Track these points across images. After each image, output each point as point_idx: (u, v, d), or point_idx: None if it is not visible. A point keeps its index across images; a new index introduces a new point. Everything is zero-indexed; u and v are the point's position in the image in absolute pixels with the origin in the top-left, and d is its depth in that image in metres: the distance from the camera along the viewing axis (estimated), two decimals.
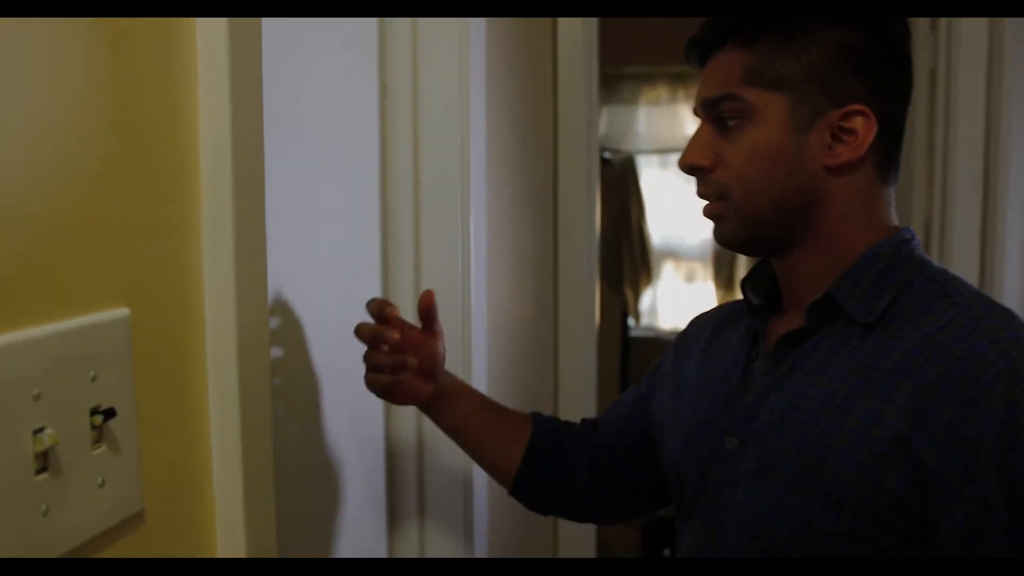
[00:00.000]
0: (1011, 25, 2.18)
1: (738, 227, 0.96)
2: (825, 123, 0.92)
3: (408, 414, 1.43)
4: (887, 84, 0.94)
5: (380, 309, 1.08)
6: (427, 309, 1.12)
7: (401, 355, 1.08)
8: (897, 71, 0.96)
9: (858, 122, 0.92)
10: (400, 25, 1.38)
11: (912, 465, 0.82)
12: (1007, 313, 0.89)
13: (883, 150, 0.94)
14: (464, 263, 1.43)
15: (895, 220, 0.98)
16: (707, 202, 0.97)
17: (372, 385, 1.12)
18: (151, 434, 0.69)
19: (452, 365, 1.43)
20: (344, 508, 1.28)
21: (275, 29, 1.02)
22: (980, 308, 0.88)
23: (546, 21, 2.30)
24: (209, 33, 0.71)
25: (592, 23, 2.47)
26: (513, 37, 1.90)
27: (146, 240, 0.67)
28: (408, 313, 1.40)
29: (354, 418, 1.33)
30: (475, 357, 1.48)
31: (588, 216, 2.49)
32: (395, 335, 1.07)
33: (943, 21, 2.28)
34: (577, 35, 2.37)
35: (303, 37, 1.12)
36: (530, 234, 2.14)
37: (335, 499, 1.26)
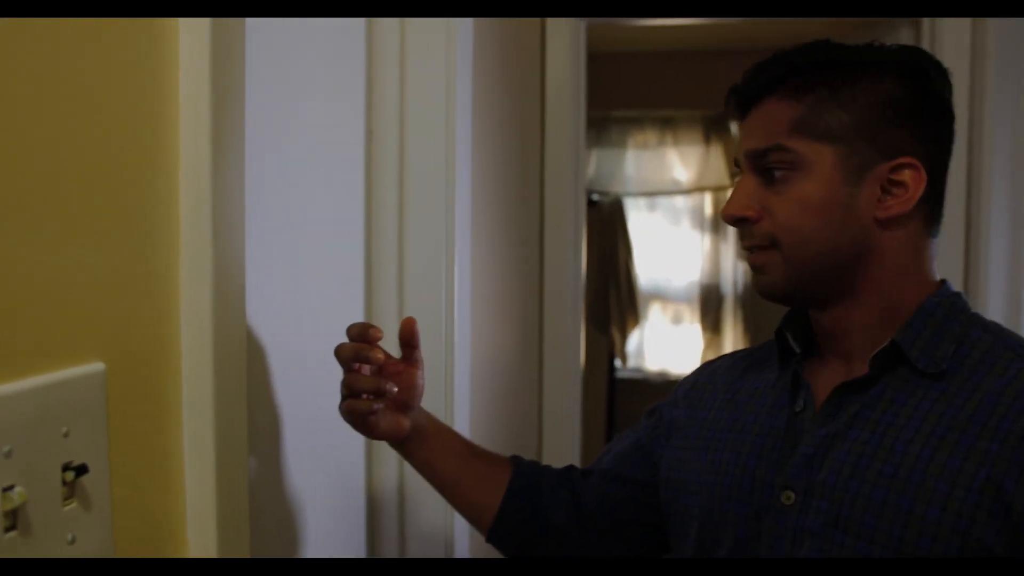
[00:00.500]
0: (994, 26, 2.20)
1: (785, 278, 0.95)
2: (875, 176, 0.92)
3: (390, 461, 1.41)
4: (934, 136, 0.95)
5: (363, 331, 1.02)
6: (409, 336, 1.07)
7: (382, 379, 1.03)
8: (942, 122, 0.96)
9: (907, 175, 0.92)
10: (387, 53, 1.38)
11: (1002, 512, 0.82)
12: None
13: (930, 202, 0.95)
14: (448, 298, 1.42)
15: (938, 273, 0.99)
16: (750, 252, 0.97)
17: (349, 413, 1.04)
18: (124, 487, 0.67)
19: (434, 399, 1.42)
20: (314, 536, 1.26)
21: (256, 42, 1.02)
22: None
23: (535, 61, 2.31)
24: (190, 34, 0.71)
25: (581, 65, 2.49)
26: (501, 75, 1.91)
27: (123, 293, 0.66)
28: (390, 345, 1.39)
29: (334, 465, 1.31)
30: (457, 392, 1.46)
31: (574, 257, 2.50)
32: (379, 355, 1.02)
33: (926, 22, 2.29)
34: (565, 76, 2.39)
35: (282, 58, 1.12)
36: (516, 273, 2.14)
37: (312, 546, 1.24)
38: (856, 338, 0.96)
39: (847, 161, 0.92)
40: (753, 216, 0.95)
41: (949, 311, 0.94)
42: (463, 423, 1.49)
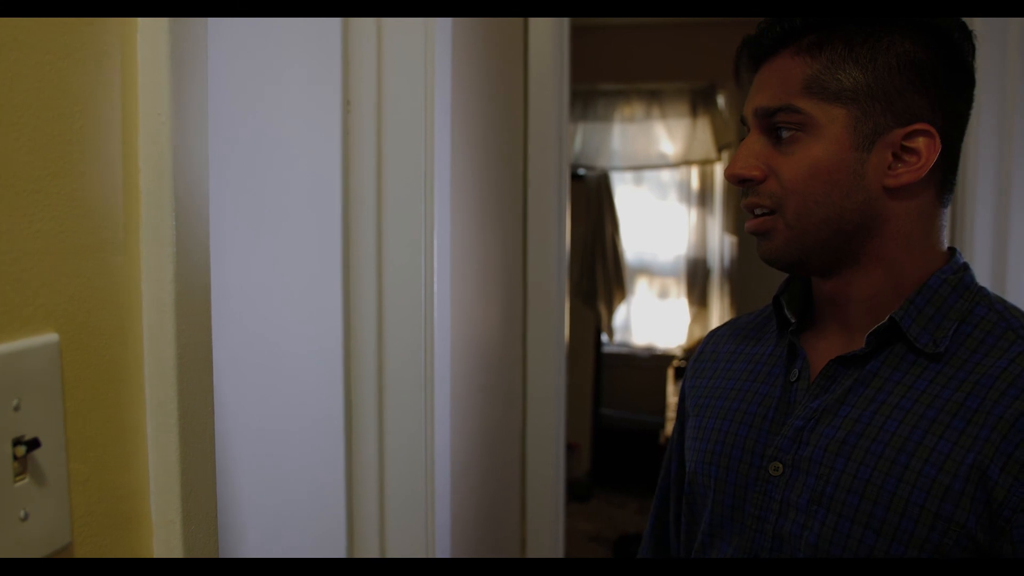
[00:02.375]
0: (978, 29, 2.19)
1: (788, 243, 0.92)
2: (887, 142, 0.88)
3: (370, 462, 1.40)
4: (952, 103, 0.90)
5: None
6: None
7: None
8: (963, 89, 0.92)
9: (921, 142, 0.88)
10: (364, 31, 1.36)
11: (985, 498, 0.81)
12: None
13: (943, 171, 0.91)
14: (427, 276, 1.41)
15: (946, 243, 0.95)
16: (753, 216, 0.93)
17: None
18: (83, 462, 0.66)
19: (414, 377, 1.41)
20: (296, 534, 1.25)
21: (234, 31, 1.00)
22: None
23: (518, 35, 2.28)
24: (150, 36, 0.69)
25: (564, 38, 2.46)
26: (483, 50, 1.88)
27: (78, 262, 0.64)
28: (370, 333, 1.38)
29: (312, 460, 1.30)
30: (438, 370, 1.45)
31: (558, 232, 2.48)
32: None
33: None
34: (549, 50, 2.36)
35: (262, 43, 1.10)
36: (499, 250, 2.12)
37: (286, 521, 1.23)
38: (857, 308, 0.94)
39: (859, 125, 0.88)
40: (758, 176, 0.91)
41: (955, 287, 0.91)
42: (443, 400, 1.48)
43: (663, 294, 5.11)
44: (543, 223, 2.43)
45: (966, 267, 0.94)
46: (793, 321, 0.99)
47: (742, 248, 4.82)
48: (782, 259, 0.93)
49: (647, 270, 5.10)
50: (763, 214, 0.92)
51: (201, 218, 0.75)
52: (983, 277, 2.26)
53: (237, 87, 1.02)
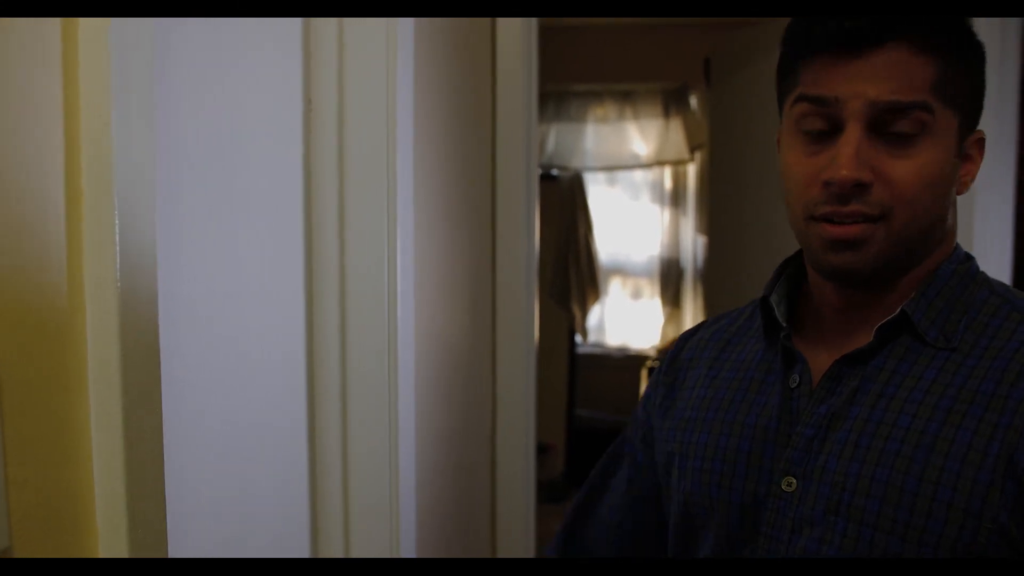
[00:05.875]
0: None
1: (882, 254, 0.83)
2: (966, 148, 0.86)
3: (335, 461, 1.39)
4: (982, 104, 0.88)
5: None
6: None
7: None
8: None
9: (975, 149, 0.86)
10: (325, 31, 1.35)
11: (1015, 488, 0.76)
12: None
13: None
14: (391, 279, 1.40)
15: None
16: (841, 224, 0.83)
17: None
18: (23, 465, 0.65)
19: (376, 382, 1.40)
20: (259, 538, 1.24)
21: (192, 31, 0.99)
22: None
23: (486, 36, 2.28)
24: (92, 37, 0.68)
25: (532, 38, 2.46)
26: (449, 50, 1.88)
27: (16, 265, 0.64)
28: (333, 335, 1.37)
29: (274, 464, 1.29)
30: (402, 376, 1.45)
31: (527, 232, 2.48)
32: None
33: None
34: (517, 50, 2.36)
35: (221, 43, 1.09)
36: (466, 251, 2.12)
37: (248, 526, 1.22)
38: (869, 312, 0.89)
39: (963, 130, 0.84)
40: (868, 180, 0.81)
41: (963, 277, 0.88)
42: (408, 402, 1.48)
43: (636, 294, 5.13)
44: (512, 224, 2.43)
45: (971, 256, 0.91)
46: (785, 325, 0.93)
47: (712, 248, 4.85)
48: (867, 272, 0.85)
49: (621, 270, 5.11)
50: (860, 221, 0.82)
51: (147, 218, 0.74)
52: None
53: (196, 88, 1.01)
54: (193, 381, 1.04)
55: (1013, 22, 2.34)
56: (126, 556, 0.73)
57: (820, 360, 0.90)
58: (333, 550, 1.40)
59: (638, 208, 4.97)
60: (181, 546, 0.94)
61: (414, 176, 1.51)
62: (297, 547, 1.36)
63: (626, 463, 1.09)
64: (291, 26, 1.29)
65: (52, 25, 0.66)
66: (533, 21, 2.45)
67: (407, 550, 1.47)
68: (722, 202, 3.39)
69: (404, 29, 1.40)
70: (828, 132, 0.83)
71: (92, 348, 0.70)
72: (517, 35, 2.36)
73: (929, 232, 0.86)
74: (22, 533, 0.65)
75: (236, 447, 1.16)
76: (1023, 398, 0.78)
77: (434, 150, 1.75)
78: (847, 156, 0.80)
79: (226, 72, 1.11)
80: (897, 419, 0.82)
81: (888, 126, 0.81)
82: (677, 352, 1.07)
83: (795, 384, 0.90)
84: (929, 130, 0.81)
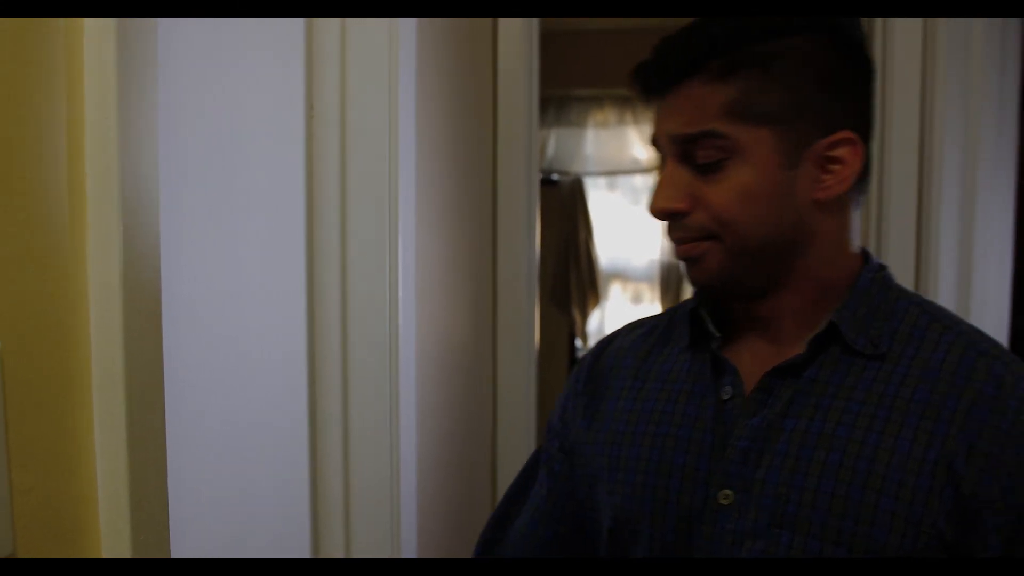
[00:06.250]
0: (941, 50, 2.22)
1: (724, 268, 0.88)
2: (812, 155, 0.86)
3: (336, 462, 1.39)
4: (864, 103, 0.89)
5: None
6: None
7: None
8: (870, 86, 0.90)
9: (845, 151, 0.86)
10: (327, 31, 1.35)
11: (953, 495, 0.79)
12: (984, 332, 0.89)
13: (861, 175, 0.90)
14: (392, 282, 1.40)
15: (857, 243, 0.94)
16: (682, 243, 0.89)
17: None
18: (27, 472, 0.64)
19: (378, 387, 1.40)
20: (260, 538, 1.24)
21: (194, 29, 0.99)
22: (969, 329, 0.87)
23: (486, 37, 2.28)
24: (97, 37, 0.68)
25: (533, 39, 2.46)
26: (450, 51, 1.88)
27: (21, 268, 0.63)
28: (334, 336, 1.37)
29: (275, 465, 1.29)
30: (403, 377, 1.44)
31: (528, 238, 2.48)
32: None
33: (878, 48, 2.30)
34: (518, 50, 2.36)
35: (223, 45, 1.09)
36: (467, 255, 2.12)
37: (249, 526, 1.21)
38: (788, 320, 0.91)
39: (785, 142, 0.85)
40: (686, 208, 0.87)
41: (881, 286, 0.90)
42: (409, 403, 1.48)
43: (637, 299, 5.12)
44: (513, 228, 2.43)
45: (884, 266, 0.93)
46: (718, 335, 0.94)
47: None
48: (717, 284, 0.90)
49: (621, 275, 5.10)
50: (698, 239, 0.88)
51: (151, 222, 0.74)
52: (947, 278, 2.28)
53: (197, 87, 1.01)
54: (194, 381, 1.04)
55: (1013, 23, 2.34)
56: (127, 554, 0.73)
57: (749, 372, 0.91)
58: (334, 550, 1.40)
59: (638, 212, 4.97)
60: (181, 546, 0.94)
61: (416, 178, 1.50)
62: (298, 547, 1.35)
63: (543, 473, 1.08)
64: (293, 26, 1.29)
65: (56, 24, 0.66)
66: (534, 22, 2.45)
67: (407, 550, 1.47)
68: None
69: (406, 29, 1.40)
70: (663, 167, 0.91)
71: (96, 354, 0.70)
72: (518, 36, 2.36)
73: (776, 241, 0.87)
74: (26, 539, 0.64)
75: (237, 447, 1.16)
76: (957, 408, 0.81)
77: (435, 153, 1.75)
78: (657, 189, 0.88)
79: (228, 72, 1.11)
80: (836, 430, 0.83)
81: (695, 156, 0.86)
82: (595, 361, 1.06)
83: (727, 396, 0.90)
84: (733, 152, 0.84)
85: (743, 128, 0.84)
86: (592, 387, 1.04)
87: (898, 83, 2.24)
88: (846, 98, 0.87)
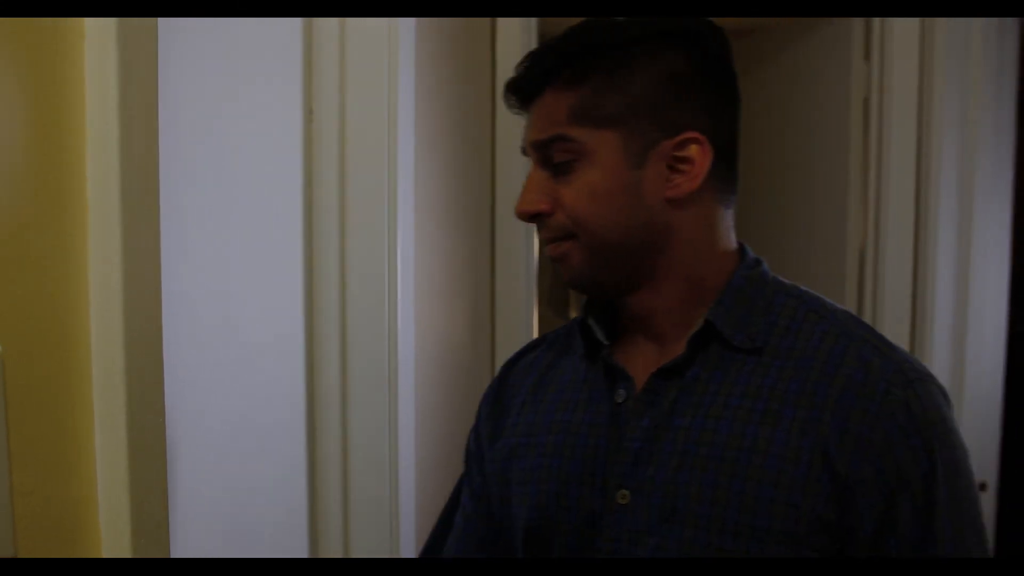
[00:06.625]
0: (943, 27, 2.22)
1: (586, 267, 0.92)
2: (659, 155, 0.89)
3: (334, 460, 1.39)
4: (717, 106, 0.92)
5: None
6: None
7: None
8: (725, 90, 0.93)
9: (693, 150, 0.89)
10: (327, 31, 1.35)
11: (829, 478, 0.82)
12: (859, 318, 0.92)
13: (721, 174, 0.92)
14: (391, 285, 1.40)
15: (734, 242, 0.96)
16: (550, 243, 0.93)
17: None
18: (28, 474, 0.65)
19: (377, 389, 1.40)
20: (258, 538, 1.24)
21: (194, 29, 0.99)
22: (844, 317, 0.91)
23: (485, 37, 2.28)
24: (98, 37, 0.68)
25: (532, 40, 2.46)
26: (449, 52, 1.88)
27: (21, 275, 0.63)
28: (332, 339, 1.37)
29: (274, 465, 1.29)
30: (401, 378, 1.45)
31: (526, 242, 2.48)
32: None
33: (876, 51, 2.31)
34: (516, 51, 2.36)
35: (225, 42, 1.09)
36: (466, 257, 2.12)
37: (248, 525, 1.21)
38: (664, 319, 0.94)
39: (630, 144, 0.88)
40: (546, 209, 0.91)
41: (757, 282, 0.93)
42: (407, 403, 1.48)
43: None
44: (511, 229, 2.43)
45: (759, 261, 0.96)
46: (606, 343, 0.97)
47: None
48: (583, 281, 0.93)
49: None
50: (560, 239, 0.92)
51: (151, 225, 0.74)
52: (945, 278, 2.29)
53: (197, 88, 1.01)
54: (194, 383, 1.04)
55: (1010, 25, 2.35)
56: (128, 555, 0.73)
57: (640, 373, 0.94)
58: (332, 550, 1.40)
59: None
60: (180, 547, 0.94)
61: (414, 178, 1.51)
62: (297, 547, 1.36)
63: (466, 496, 1.11)
64: (293, 26, 1.29)
65: (56, 25, 0.66)
66: (533, 22, 2.45)
67: (406, 550, 1.47)
68: None
69: (406, 30, 1.40)
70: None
71: (96, 356, 0.70)
72: (516, 36, 2.36)
73: (630, 238, 0.90)
74: (27, 541, 0.65)
75: (236, 448, 1.16)
76: (828, 395, 0.84)
77: (434, 151, 1.75)
78: (522, 193, 0.93)
79: (228, 72, 1.11)
80: (717, 426, 0.87)
81: (552, 160, 0.90)
82: (500, 383, 1.10)
83: (621, 399, 0.94)
84: (580, 154, 0.89)
85: (589, 131, 0.89)
86: (497, 408, 1.08)
87: (896, 85, 2.25)
88: (694, 101, 0.90)
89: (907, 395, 0.83)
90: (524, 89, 0.93)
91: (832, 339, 0.88)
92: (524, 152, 0.95)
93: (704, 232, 0.93)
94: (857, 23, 2.36)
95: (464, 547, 1.08)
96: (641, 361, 0.95)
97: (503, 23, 2.33)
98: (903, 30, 2.25)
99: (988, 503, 2.40)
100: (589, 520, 0.92)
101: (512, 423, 1.03)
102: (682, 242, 0.91)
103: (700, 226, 0.92)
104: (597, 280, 0.93)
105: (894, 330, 2.29)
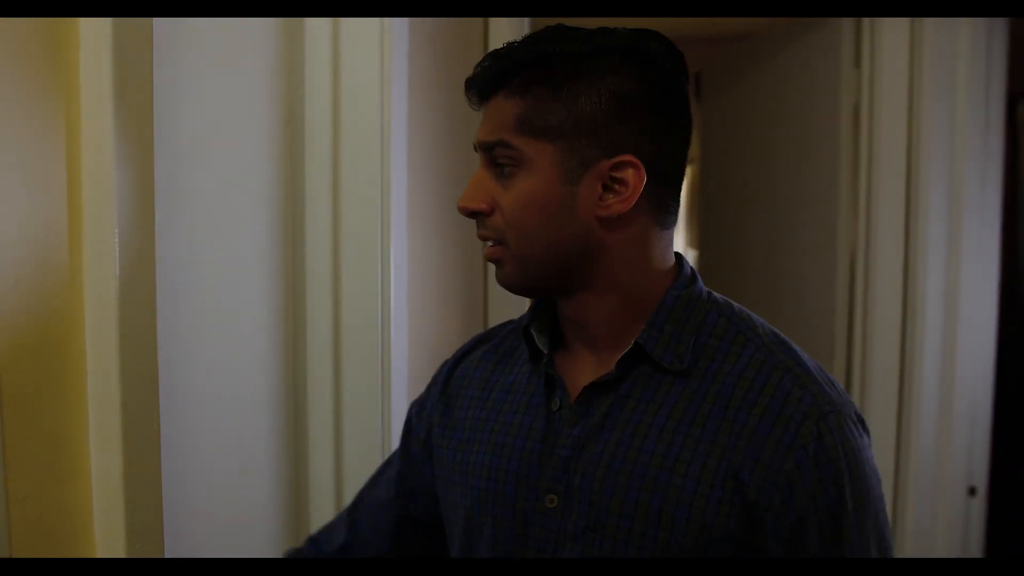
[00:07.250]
0: (929, 58, 2.24)
1: (516, 272, 0.93)
2: (595, 174, 0.90)
3: (327, 460, 1.39)
4: (660, 131, 0.92)
5: None
6: None
7: None
8: (672, 115, 0.93)
9: (629, 173, 0.89)
10: (320, 31, 1.35)
11: (741, 501, 0.86)
12: (786, 342, 0.94)
13: (659, 197, 0.92)
14: (384, 290, 1.41)
15: (672, 259, 0.97)
16: (487, 246, 0.95)
17: None
18: (23, 481, 0.65)
19: (369, 395, 1.40)
20: (251, 541, 1.24)
21: (192, 28, 0.99)
22: (771, 342, 0.93)
23: (477, 38, 2.29)
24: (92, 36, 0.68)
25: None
26: (442, 48, 1.89)
27: (15, 288, 0.63)
28: (325, 343, 1.37)
29: (266, 468, 1.29)
30: (395, 388, 1.45)
31: None
32: None
33: (865, 58, 2.32)
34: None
35: (219, 39, 1.09)
36: (460, 259, 2.12)
37: (241, 528, 1.21)
38: (598, 330, 0.96)
39: (567, 159, 0.89)
40: (485, 209, 0.93)
41: (688, 301, 0.95)
42: (401, 408, 1.48)
43: None
44: None
45: (694, 277, 0.97)
46: (545, 352, 0.99)
47: (704, 262, 4.86)
48: (513, 285, 0.95)
49: None
50: (494, 243, 0.94)
51: (146, 235, 0.74)
52: (935, 282, 2.30)
53: (190, 90, 1.01)
54: (188, 390, 1.04)
55: (999, 25, 2.36)
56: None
57: (576, 383, 0.97)
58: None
59: None
60: (175, 549, 0.94)
61: (407, 178, 1.51)
62: (291, 547, 1.35)
63: (398, 457, 1.16)
64: (288, 25, 1.30)
65: (55, 25, 0.66)
66: (525, 22, 2.46)
67: None
68: (713, 216, 3.40)
69: (399, 29, 1.41)
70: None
71: (91, 366, 0.71)
72: (509, 36, 2.36)
73: (558, 250, 0.92)
74: (22, 547, 0.65)
75: (229, 455, 1.16)
76: (745, 422, 0.87)
77: (427, 150, 1.75)
78: (466, 190, 0.94)
79: (223, 71, 1.11)
80: (643, 443, 0.90)
81: (496, 163, 0.92)
82: (452, 369, 1.13)
83: (556, 407, 0.97)
84: (520, 162, 0.91)
85: (529, 141, 0.90)
86: (447, 396, 1.11)
87: (884, 121, 2.26)
88: (637, 123, 0.90)
89: (820, 428, 0.86)
90: (480, 88, 0.95)
91: (756, 366, 0.90)
92: (475, 148, 0.96)
93: (638, 250, 0.93)
94: (847, 30, 2.37)
95: (388, 504, 1.13)
96: (579, 370, 0.97)
97: (495, 23, 2.34)
98: (892, 37, 2.27)
99: (978, 507, 2.41)
100: (522, 519, 0.96)
101: (461, 415, 1.06)
102: (614, 259, 0.93)
103: (631, 247, 0.93)
104: (528, 285, 0.95)
105: (884, 335, 2.30)
